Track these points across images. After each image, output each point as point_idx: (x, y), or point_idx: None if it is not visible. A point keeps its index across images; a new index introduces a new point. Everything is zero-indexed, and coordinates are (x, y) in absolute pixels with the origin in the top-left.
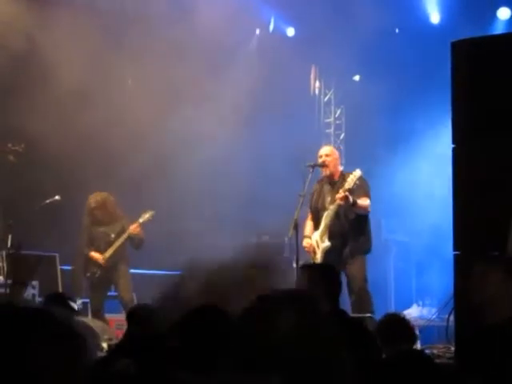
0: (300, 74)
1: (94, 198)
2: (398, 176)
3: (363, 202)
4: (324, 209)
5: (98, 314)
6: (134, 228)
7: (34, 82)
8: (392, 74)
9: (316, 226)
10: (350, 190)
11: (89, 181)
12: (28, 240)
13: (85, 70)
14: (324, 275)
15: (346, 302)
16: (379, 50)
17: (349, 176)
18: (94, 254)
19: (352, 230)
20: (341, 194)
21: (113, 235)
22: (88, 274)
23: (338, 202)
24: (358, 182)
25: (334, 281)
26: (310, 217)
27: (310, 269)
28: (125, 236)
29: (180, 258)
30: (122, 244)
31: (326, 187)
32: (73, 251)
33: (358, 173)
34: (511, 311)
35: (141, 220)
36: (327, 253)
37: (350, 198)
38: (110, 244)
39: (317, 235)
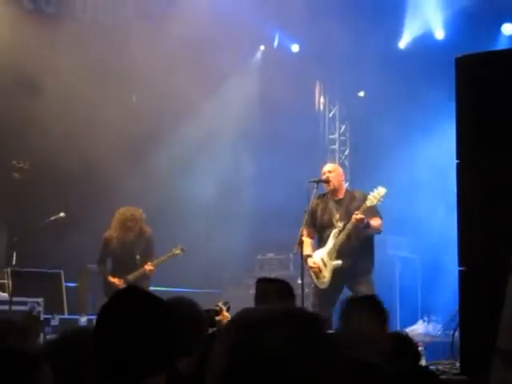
0: (305, 89)
1: (135, 213)
2: (403, 192)
3: (375, 222)
4: (332, 226)
5: None
6: (149, 268)
7: (38, 98)
8: (396, 90)
9: (320, 243)
10: (369, 209)
11: (93, 198)
12: (33, 257)
13: (88, 86)
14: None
15: None
16: (384, 65)
17: (365, 194)
18: (114, 280)
19: (361, 249)
20: (358, 215)
21: (138, 256)
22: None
23: (354, 221)
24: (382, 200)
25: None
26: (306, 234)
27: (266, 283)
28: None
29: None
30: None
31: (332, 204)
32: (78, 268)
33: (382, 191)
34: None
35: (169, 254)
36: (336, 271)
37: (365, 221)
38: (135, 266)
39: (323, 253)
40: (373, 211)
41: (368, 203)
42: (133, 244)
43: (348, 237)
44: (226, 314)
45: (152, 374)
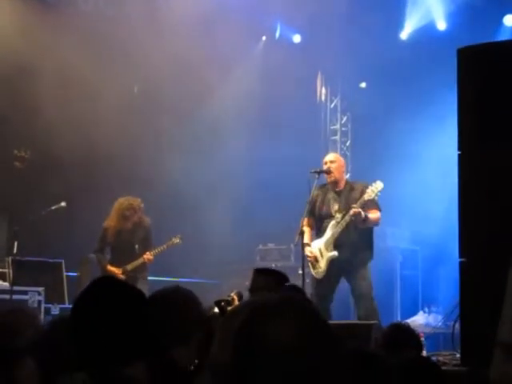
0: (306, 80)
1: (134, 203)
2: (404, 183)
3: (374, 215)
4: (330, 217)
5: None
6: (148, 257)
7: (39, 87)
8: (398, 81)
9: (318, 234)
10: (368, 202)
11: (95, 187)
12: (34, 246)
13: (90, 75)
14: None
15: (347, 308)
16: (385, 56)
17: (365, 186)
18: (113, 269)
19: (359, 240)
20: (355, 209)
21: (137, 246)
22: None
23: (351, 215)
24: (379, 194)
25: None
26: (306, 222)
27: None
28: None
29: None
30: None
31: (331, 195)
32: (79, 257)
33: (380, 185)
34: None
35: (168, 243)
36: (332, 262)
37: (363, 214)
38: (134, 255)
39: (321, 243)
40: (372, 203)
41: (366, 197)
42: (131, 234)
43: (346, 228)
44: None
45: (128, 363)
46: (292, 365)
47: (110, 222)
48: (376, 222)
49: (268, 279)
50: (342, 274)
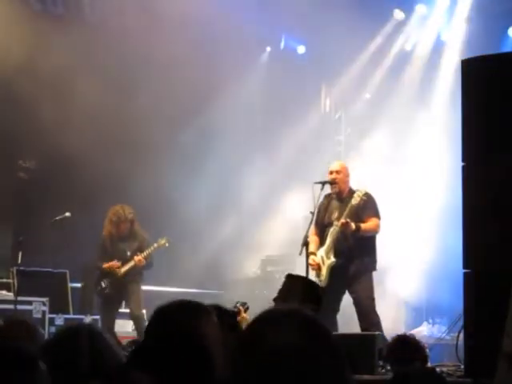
0: (310, 91)
1: (127, 210)
2: (409, 193)
3: (371, 224)
4: (330, 224)
5: (110, 332)
6: (138, 258)
7: (45, 99)
8: (402, 93)
9: (321, 242)
10: (358, 208)
11: (99, 198)
12: (38, 257)
13: (96, 87)
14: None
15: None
16: (390, 68)
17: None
18: (112, 263)
19: (358, 248)
20: (343, 220)
21: (129, 253)
22: (99, 288)
23: (340, 227)
24: (365, 198)
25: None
26: (314, 232)
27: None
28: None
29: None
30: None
31: (334, 203)
32: (83, 268)
33: (362, 191)
34: None
35: (154, 245)
36: (333, 269)
37: (352, 226)
38: (126, 261)
39: (322, 251)
40: (369, 212)
41: (352, 202)
42: (124, 243)
43: (343, 235)
44: (244, 315)
45: None
46: (289, 370)
47: (104, 229)
48: (372, 231)
49: (295, 283)
50: (341, 281)
